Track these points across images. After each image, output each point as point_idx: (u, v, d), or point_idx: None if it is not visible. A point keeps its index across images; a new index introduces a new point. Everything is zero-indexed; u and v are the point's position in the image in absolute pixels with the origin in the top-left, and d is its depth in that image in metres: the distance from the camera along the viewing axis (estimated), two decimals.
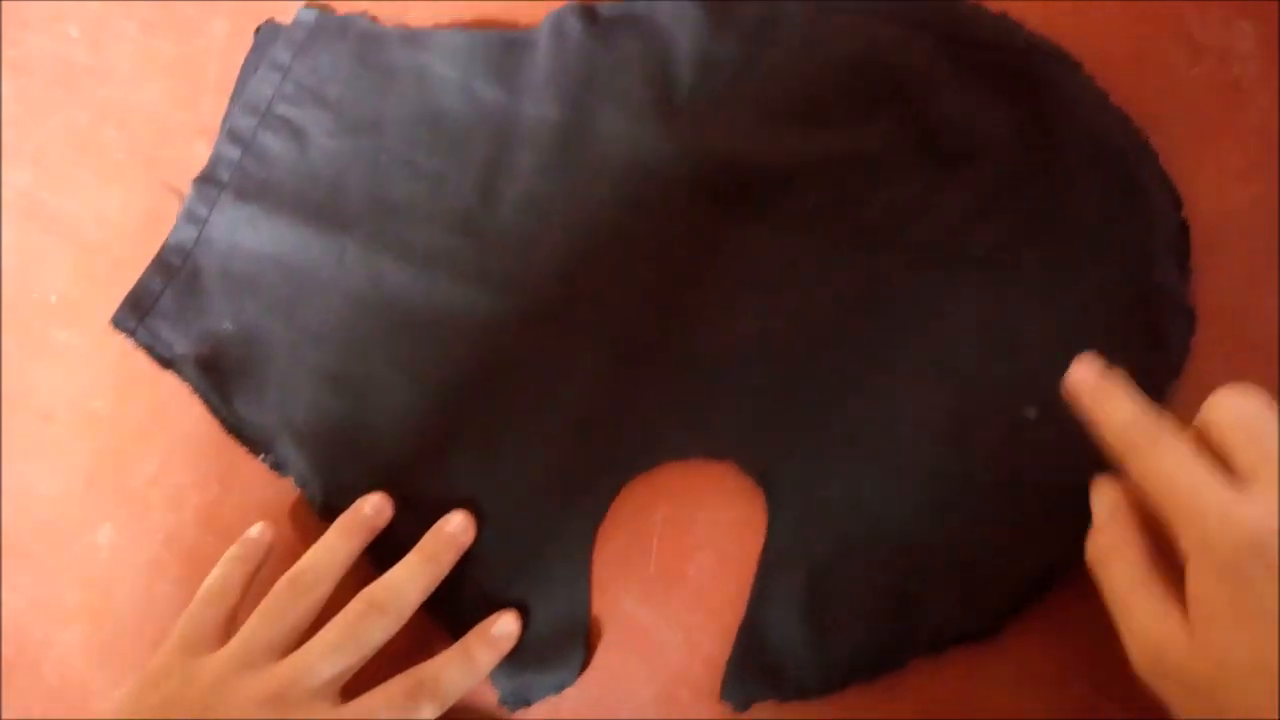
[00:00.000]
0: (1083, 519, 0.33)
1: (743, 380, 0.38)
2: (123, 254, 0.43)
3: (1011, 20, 0.39)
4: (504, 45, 0.42)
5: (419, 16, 0.44)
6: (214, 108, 0.44)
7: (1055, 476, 0.35)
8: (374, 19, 0.44)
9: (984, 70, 0.39)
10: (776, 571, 0.36)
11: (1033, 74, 0.39)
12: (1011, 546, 0.35)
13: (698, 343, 0.38)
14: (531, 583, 0.37)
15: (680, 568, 0.38)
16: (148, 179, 0.44)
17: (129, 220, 0.43)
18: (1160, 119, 0.39)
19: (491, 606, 0.37)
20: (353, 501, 0.38)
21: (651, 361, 0.38)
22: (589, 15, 0.41)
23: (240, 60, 0.44)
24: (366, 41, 0.43)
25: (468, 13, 0.44)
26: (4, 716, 0.40)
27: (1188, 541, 0.28)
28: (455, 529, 0.37)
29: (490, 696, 0.37)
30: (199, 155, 0.43)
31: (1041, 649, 0.35)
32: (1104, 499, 0.32)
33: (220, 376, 0.40)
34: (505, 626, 0.36)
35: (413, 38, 0.43)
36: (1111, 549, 0.31)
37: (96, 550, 0.40)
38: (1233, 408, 0.29)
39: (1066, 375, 0.33)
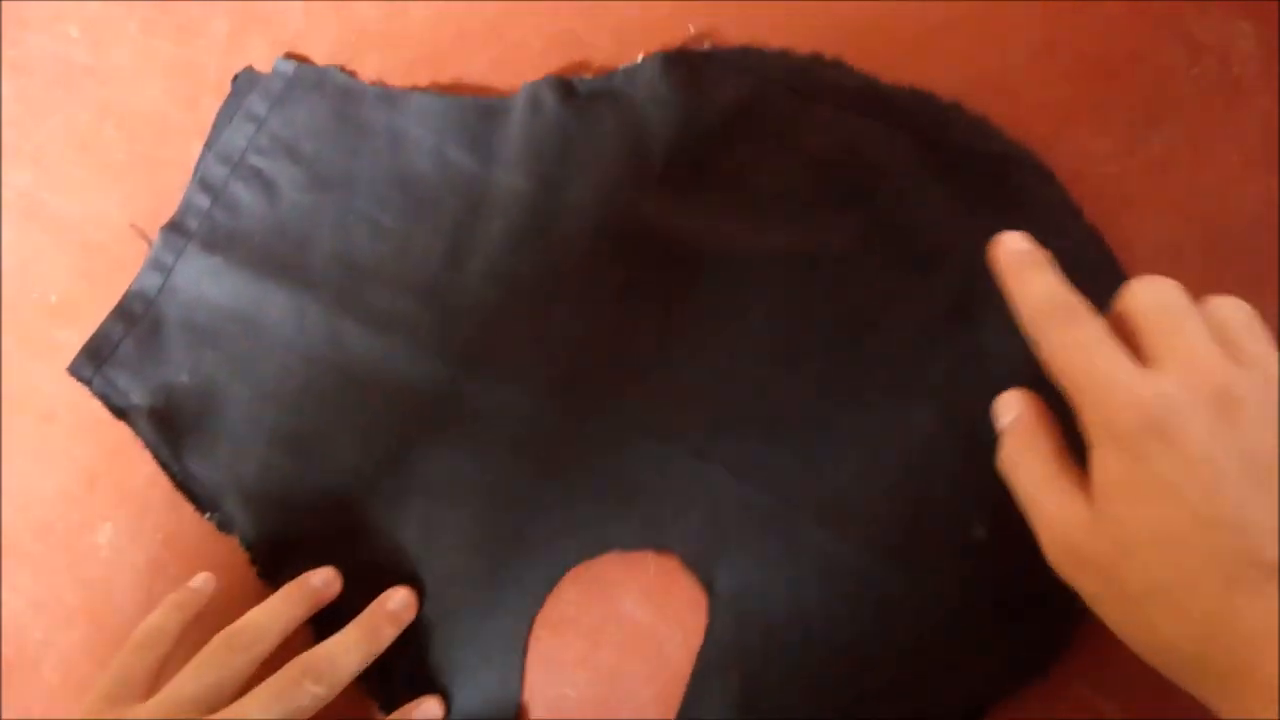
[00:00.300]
0: (1023, 649, 0.34)
1: (693, 476, 0.37)
2: (123, 254, 0.43)
3: (990, 124, 0.39)
4: (479, 112, 0.42)
5: (395, 73, 0.44)
6: (214, 108, 0.44)
7: (999, 602, 0.35)
8: (353, 74, 0.43)
9: (958, 176, 0.38)
10: (711, 675, 0.36)
11: (1006, 183, 0.38)
12: (949, 670, 0.34)
13: (650, 433, 0.38)
14: (466, 664, 0.37)
15: (680, 567, 0.37)
16: (148, 179, 0.44)
17: (129, 220, 0.43)
18: (1160, 119, 0.39)
19: (425, 684, 0.37)
20: (295, 565, 0.38)
21: (603, 450, 0.38)
22: (565, 89, 0.41)
23: (240, 60, 0.44)
24: (343, 97, 0.43)
25: (445, 75, 0.43)
26: (4, 716, 0.40)
27: (1092, 420, 0.29)
28: (397, 605, 0.37)
29: None
30: (198, 155, 0.43)
31: None
32: (1009, 406, 0.32)
33: (173, 430, 0.40)
34: (428, 712, 0.36)
35: (389, 97, 0.42)
36: (1019, 451, 0.31)
37: (96, 550, 0.40)
38: (1146, 294, 0.30)
39: (991, 243, 0.33)
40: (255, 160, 0.42)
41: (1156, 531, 0.27)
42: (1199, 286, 0.38)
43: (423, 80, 0.43)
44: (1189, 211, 0.38)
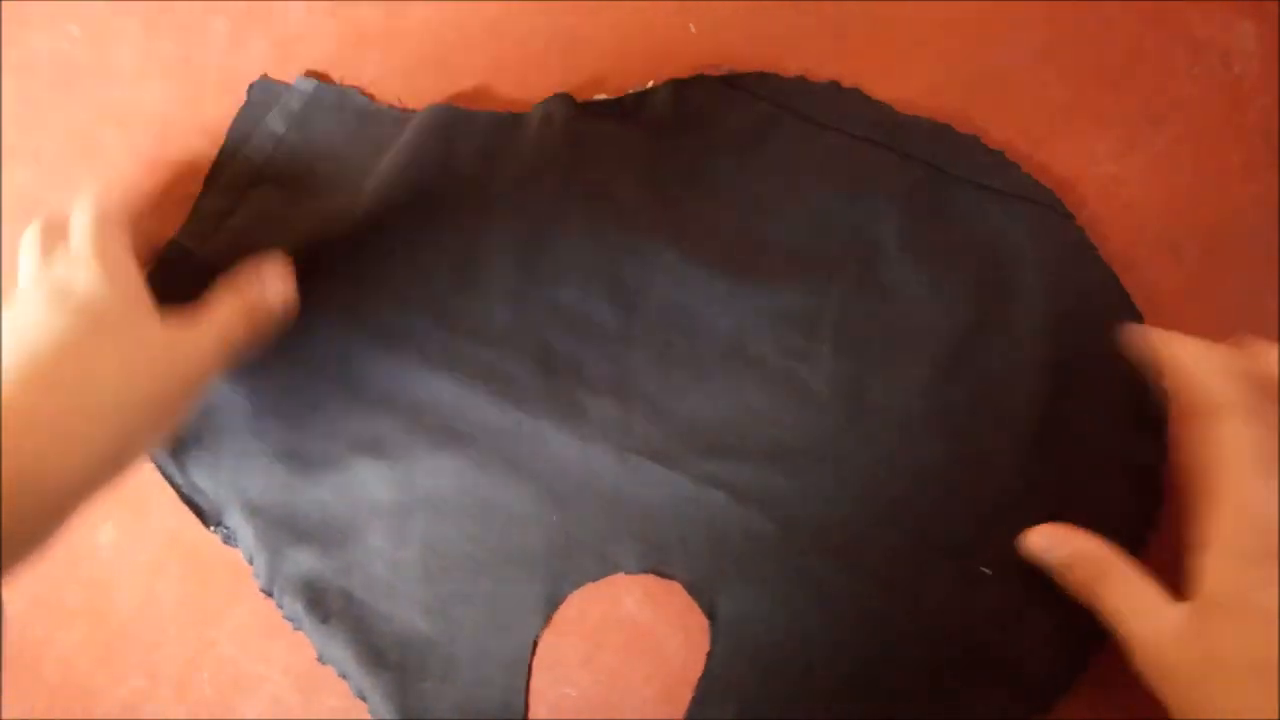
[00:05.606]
0: (1026, 686, 0.34)
1: (696, 501, 0.37)
2: None
3: (1006, 158, 0.39)
4: (491, 126, 0.41)
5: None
6: (214, 108, 0.44)
7: (1002, 638, 0.35)
8: (372, 97, 0.43)
9: (971, 211, 0.38)
10: (711, 703, 0.36)
11: (1022, 220, 0.38)
12: (952, 704, 0.34)
13: (654, 457, 0.37)
14: (469, 685, 0.37)
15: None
16: (148, 179, 0.44)
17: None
18: (1160, 119, 0.39)
19: (432, 705, 0.37)
20: (297, 586, 0.38)
21: (608, 473, 0.37)
22: (577, 108, 0.41)
23: (241, 60, 0.44)
24: (361, 118, 0.42)
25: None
26: (5, 716, 0.40)
27: (1222, 529, 0.29)
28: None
29: None
30: (199, 155, 0.43)
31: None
32: (1060, 541, 0.33)
33: (177, 444, 0.39)
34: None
35: (407, 119, 0.42)
36: (1097, 578, 0.32)
37: (97, 550, 0.40)
38: None
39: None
40: (269, 172, 0.42)
41: (1254, 657, 0.27)
42: (1199, 286, 0.38)
43: (424, 80, 0.43)
44: (1189, 211, 0.38)
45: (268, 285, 0.37)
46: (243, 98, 0.44)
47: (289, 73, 0.44)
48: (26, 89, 0.45)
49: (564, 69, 0.43)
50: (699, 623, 0.37)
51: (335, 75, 0.44)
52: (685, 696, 0.36)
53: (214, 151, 0.43)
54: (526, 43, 0.43)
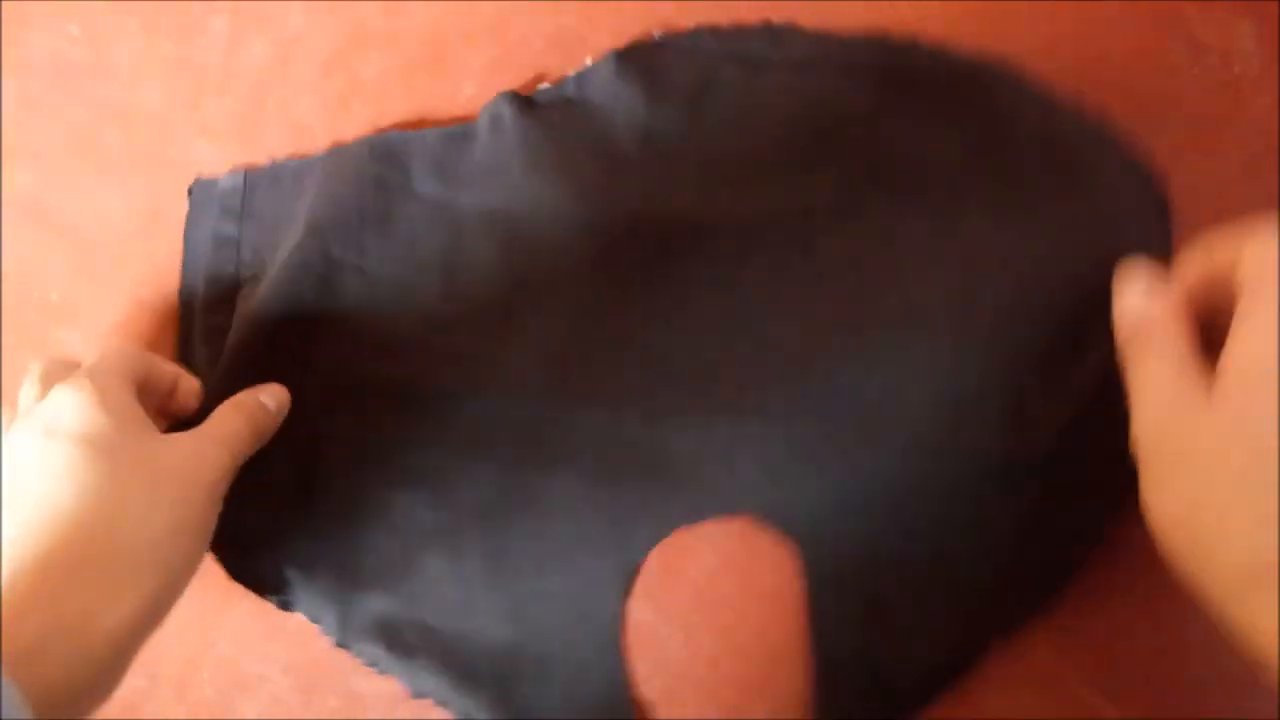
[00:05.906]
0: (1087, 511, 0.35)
1: (733, 436, 0.37)
2: (123, 253, 0.43)
3: (950, 49, 0.39)
4: (442, 141, 0.41)
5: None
6: (214, 108, 0.44)
7: (1057, 471, 0.35)
8: (304, 156, 0.43)
9: (926, 99, 0.39)
10: (828, 612, 0.36)
11: (975, 92, 0.39)
12: (1028, 532, 0.35)
13: (682, 410, 0.38)
14: (570, 676, 0.37)
15: (681, 567, 0.38)
16: (148, 179, 0.44)
17: (129, 220, 0.44)
18: (1160, 119, 0.39)
19: (537, 706, 0.36)
20: (372, 630, 0.37)
21: (643, 440, 0.38)
22: (523, 103, 0.41)
23: (241, 59, 0.44)
24: (300, 178, 0.42)
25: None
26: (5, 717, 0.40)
27: (1259, 298, 0.28)
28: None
29: None
30: (199, 155, 0.43)
31: (1043, 650, 0.35)
32: (1139, 279, 0.32)
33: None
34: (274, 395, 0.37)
35: (343, 153, 0.42)
36: (1157, 338, 0.31)
37: None
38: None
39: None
40: (246, 273, 0.42)
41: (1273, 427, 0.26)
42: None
43: (424, 80, 0.44)
44: (1189, 211, 0.38)
45: (263, 391, 0.37)
46: (242, 97, 0.44)
47: (289, 73, 0.44)
48: (26, 89, 0.45)
49: (564, 69, 0.43)
50: (700, 622, 0.37)
51: (335, 75, 0.44)
52: (686, 696, 0.36)
53: (212, 148, 0.43)
54: (527, 42, 0.43)
